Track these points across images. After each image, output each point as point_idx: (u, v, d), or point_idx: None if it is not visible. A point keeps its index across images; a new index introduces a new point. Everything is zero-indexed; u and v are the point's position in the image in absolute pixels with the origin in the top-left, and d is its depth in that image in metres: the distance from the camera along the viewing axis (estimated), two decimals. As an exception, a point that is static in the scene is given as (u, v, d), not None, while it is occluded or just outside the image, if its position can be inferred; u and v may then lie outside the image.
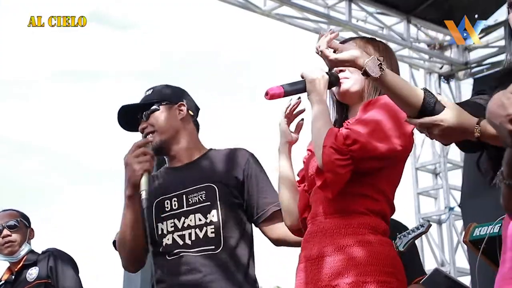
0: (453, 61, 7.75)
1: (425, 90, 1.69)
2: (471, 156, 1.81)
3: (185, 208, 2.51)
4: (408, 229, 3.06)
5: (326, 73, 2.04)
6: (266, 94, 1.97)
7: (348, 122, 2.03)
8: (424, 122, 1.62)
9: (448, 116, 1.60)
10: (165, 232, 2.51)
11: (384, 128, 1.93)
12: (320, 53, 1.84)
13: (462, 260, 7.41)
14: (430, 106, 1.63)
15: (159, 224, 2.53)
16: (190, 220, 2.49)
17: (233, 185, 2.54)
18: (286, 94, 2.00)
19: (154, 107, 2.61)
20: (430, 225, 3.07)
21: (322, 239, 1.96)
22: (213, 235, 2.46)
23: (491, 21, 7.29)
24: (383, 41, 2.21)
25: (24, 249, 3.83)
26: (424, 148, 7.81)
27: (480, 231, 2.76)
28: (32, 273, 3.73)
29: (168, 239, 2.49)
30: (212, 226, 2.46)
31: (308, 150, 2.14)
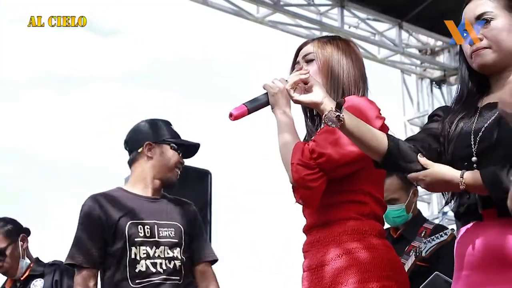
0: (445, 66, 7.84)
1: (388, 135, 1.82)
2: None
3: (156, 239, 2.80)
4: (446, 229, 3.17)
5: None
6: (230, 115, 1.96)
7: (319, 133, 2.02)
8: (410, 177, 1.78)
9: (431, 171, 1.76)
10: (138, 258, 2.76)
11: None
12: (286, 89, 1.87)
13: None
14: (394, 150, 1.78)
15: (133, 248, 2.77)
16: (161, 252, 2.79)
17: (189, 228, 2.88)
18: (250, 111, 2.00)
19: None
20: (453, 235, 3.05)
21: (320, 249, 1.98)
22: (179, 268, 2.80)
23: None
24: (344, 37, 2.20)
25: (23, 267, 3.76)
26: None
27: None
28: (37, 285, 3.72)
29: (141, 266, 2.76)
30: (179, 261, 2.81)
31: None
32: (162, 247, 2.79)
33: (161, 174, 2.93)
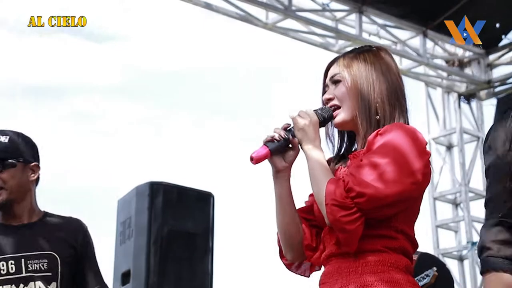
0: (474, 79, 7.71)
1: None
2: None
3: (23, 274, 2.58)
4: (445, 266, 3.15)
5: (315, 111, 2.03)
6: (251, 159, 1.97)
7: (355, 155, 2.00)
8: None
9: None
10: None
11: (393, 169, 1.87)
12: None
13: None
14: None
15: None
16: None
17: (71, 255, 2.68)
18: (273, 152, 2.00)
19: (11, 161, 2.68)
20: (435, 275, 3.06)
21: (339, 280, 1.95)
22: None
23: (515, 35, 7.31)
24: (374, 46, 2.16)
25: None
26: (443, 175, 7.78)
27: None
28: None
29: None
30: None
31: None
32: (31, 283, 2.60)
33: None
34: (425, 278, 3.07)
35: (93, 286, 2.73)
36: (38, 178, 2.77)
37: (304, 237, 2.06)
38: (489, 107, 7.78)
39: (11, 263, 2.59)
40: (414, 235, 2.01)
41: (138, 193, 5.26)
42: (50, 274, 2.61)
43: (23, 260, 2.60)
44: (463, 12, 6.91)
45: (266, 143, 1.99)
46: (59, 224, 2.74)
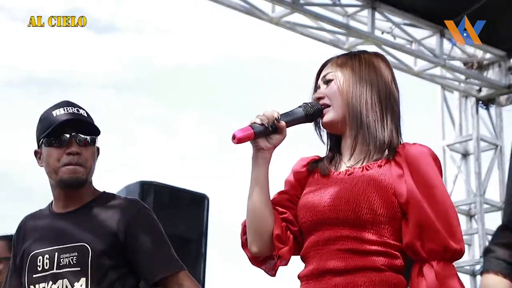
0: (494, 83, 7.64)
1: None
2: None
3: (54, 270, 2.43)
4: None
5: (304, 103, 2.07)
6: (233, 138, 1.98)
7: (348, 170, 2.05)
8: None
9: None
10: None
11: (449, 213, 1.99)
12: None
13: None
14: None
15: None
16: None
17: (110, 245, 2.45)
18: (257, 135, 2.02)
19: (92, 137, 2.52)
20: None
21: None
22: None
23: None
24: (372, 51, 2.19)
25: None
26: (457, 184, 7.72)
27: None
28: None
29: None
30: None
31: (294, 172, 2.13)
32: (60, 281, 2.44)
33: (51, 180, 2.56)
34: None
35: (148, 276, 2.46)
36: None
37: (275, 226, 2.06)
38: (509, 113, 7.87)
39: (46, 258, 2.45)
40: None
41: (128, 193, 5.22)
42: (79, 268, 2.41)
43: (56, 254, 2.43)
44: (484, 11, 6.80)
45: (252, 124, 2.01)
46: (109, 206, 2.51)
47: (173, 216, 5.34)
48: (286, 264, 2.10)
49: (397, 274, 1.98)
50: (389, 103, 2.08)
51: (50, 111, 2.51)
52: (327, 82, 2.11)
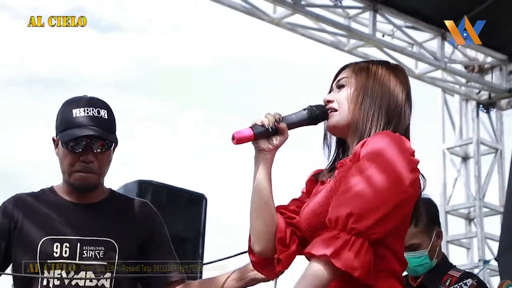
0: (495, 87, 7.64)
1: None
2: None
3: (76, 261, 2.44)
4: (474, 276, 3.14)
5: (309, 106, 2.07)
6: (233, 138, 1.97)
7: (342, 164, 2.03)
8: None
9: None
10: (51, 285, 2.43)
11: (381, 177, 1.87)
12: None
13: (498, 324, 7.17)
14: None
15: (45, 272, 2.44)
16: (80, 279, 2.43)
17: (135, 243, 2.51)
18: (258, 136, 2.00)
19: (109, 143, 2.48)
20: (474, 286, 3.08)
21: None
22: None
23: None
24: (393, 63, 2.15)
25: None
26: (457, 188, 7.74)
27: (515, 290, 2.78)
28: None
29: None
30: None
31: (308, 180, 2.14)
32: (82, 273, 2.45)
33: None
34: (465, 285, 3.07)
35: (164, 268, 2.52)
36: None
37: (278, 229, 2.05)
38: (510, 117, 7.88)
39: (66, 246, 2.44)
40: (402, 253, 1.99)
41: (126, 192, 5.23)
42: (105, 263, 2.44)
43: (78, 244, 2.44)
44: (486, 14, 6.82)
45: (252, 125, 2.00)
46: (126, 206, 2.54)
47: (171, 216, 5.33)
48: (285, 268, 2.08)
49: (388, 279, 1.95)
50: (396, 119, 2.06)
51: (71, 108, 2.47)
52: (340, 87, 2.11)
